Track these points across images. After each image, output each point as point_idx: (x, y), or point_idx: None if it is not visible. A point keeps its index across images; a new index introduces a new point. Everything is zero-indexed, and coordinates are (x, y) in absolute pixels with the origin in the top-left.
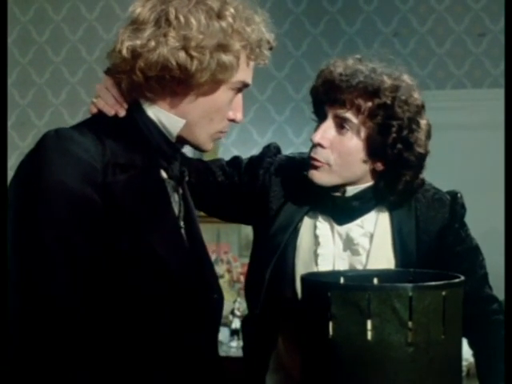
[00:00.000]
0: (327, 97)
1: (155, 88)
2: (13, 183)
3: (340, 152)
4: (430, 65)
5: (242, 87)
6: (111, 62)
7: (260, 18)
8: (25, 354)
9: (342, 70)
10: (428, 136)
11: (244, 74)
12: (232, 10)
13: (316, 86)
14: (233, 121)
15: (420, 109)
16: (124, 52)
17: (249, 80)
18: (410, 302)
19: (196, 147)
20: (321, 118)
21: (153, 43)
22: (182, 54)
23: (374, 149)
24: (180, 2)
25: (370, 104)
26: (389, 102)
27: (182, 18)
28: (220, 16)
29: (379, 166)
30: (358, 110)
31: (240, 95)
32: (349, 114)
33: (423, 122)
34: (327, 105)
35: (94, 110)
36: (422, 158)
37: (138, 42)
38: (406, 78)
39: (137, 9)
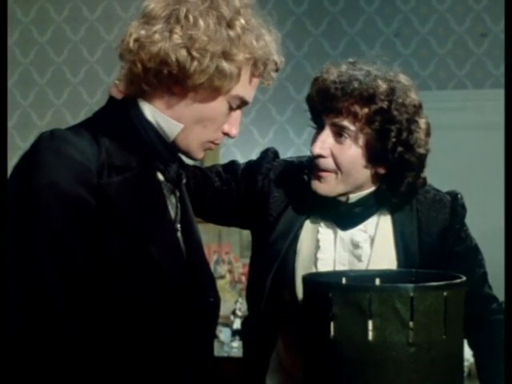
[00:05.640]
0: (323, 106)
1: (152, 82)
2: (9, 184)
3: (341, 160)
4: (432, 65)
5: (241, 104)
6: (119, 54)
7: (272, 37)
8: (18, 353)
9: (336, 77)
10: (428, 134)
11: (244, 89)
12: (243, 22)
13: (311, 94)
14: (227, 134)
15: (418, 108)
16: (131, 43)
17: (248, 97)
18: (412, 303)
19: (186, 154)
20: (318, 126)
21: (157, 36)
22: (183, 52)
23: (375, 154)
24: (193, 4)
25: (366, 110)
26: (385, 106)
27: (191, 18)
28: (230, 25)
29: (381, 170)
30: (354, 118)
31: (239, 112)
32: (346, 122)
33: (422, 121)
34: (324, 114)
35: (115, 92)
36: (423, 157)
37: (143, 33)
38: (401, 78)
39: (150, 4)
